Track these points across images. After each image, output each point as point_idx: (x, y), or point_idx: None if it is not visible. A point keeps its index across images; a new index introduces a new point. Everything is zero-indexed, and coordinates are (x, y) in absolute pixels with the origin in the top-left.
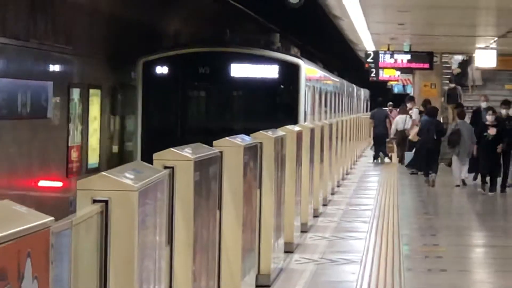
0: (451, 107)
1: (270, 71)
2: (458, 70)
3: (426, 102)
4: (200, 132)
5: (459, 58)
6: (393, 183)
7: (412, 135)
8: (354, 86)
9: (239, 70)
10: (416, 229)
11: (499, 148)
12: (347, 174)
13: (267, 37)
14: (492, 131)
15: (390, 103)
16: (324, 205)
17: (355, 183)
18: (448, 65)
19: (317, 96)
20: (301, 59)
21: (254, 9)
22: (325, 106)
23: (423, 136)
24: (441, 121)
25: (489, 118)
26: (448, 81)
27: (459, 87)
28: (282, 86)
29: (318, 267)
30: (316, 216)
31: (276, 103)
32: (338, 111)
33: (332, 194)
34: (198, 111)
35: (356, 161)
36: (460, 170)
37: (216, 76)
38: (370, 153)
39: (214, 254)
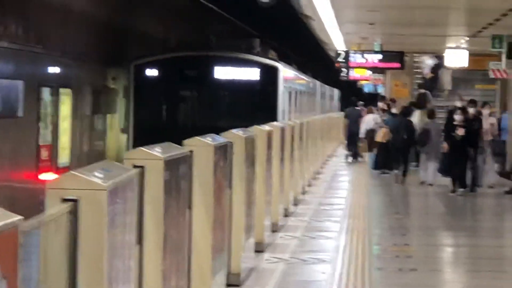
0: (420, 113)
1: (251, 74)
2: (431, 75)
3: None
4: (187, 130)
5: (431, 62)
6: (364, 182)
7: (379, 136)
8: (327, 86)
9: (223, 73)
10: (387, 228)
11: (471, 152)
12: (318, 173)
13: (248, 42)
14: (460, 132)
15: (361, 102)
16: (295, 204)
17: (326, 182)
18: (419, 64)
19: (293, 97)
20: (280, 63)
21: (225, 9)
22: (301, 105)
23: (394, 135)
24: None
25: (457, 118)
26: (417, 86)
27: (428, 92)
28: (262, 87)
29: (288, 266)
30: (286, 215)
31: (257, 103)
32: (312, 110)
33: (303, 193)
34: (185, 110)
35: (327, 160)
36: (426, 168)
37: (202, 77)
38: (341, 152)
39: (184, 253)
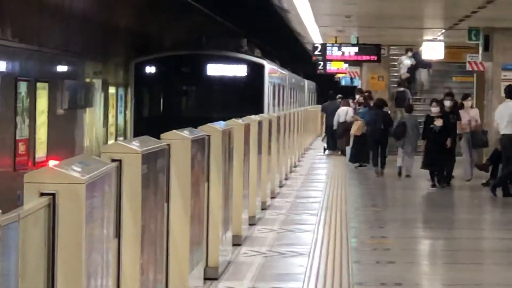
0: (400, 111)
1: (240, 70)
2: (407, 75)
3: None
4: (182, 121)
5: (408, 62)
6: (341, 175)
7: (354, 129)
8: (305, 80)
9: (214, 69)
10: (364, 221)
11: (449, 143)
12: (295, 166)
13: (236, 41)
14: (438, 122)
15: (340, 95)
16: (272, 197)
17: (303, 175)
18: (395, 62)
19: (277, 90)
20: (265, 60)
21: (200, 1)
22: (283, 98)
23: (371, 127)
24: (389, 113)
25: (434, 109)
26: (397, 85)
27: (407, 90)
28: (250, 82)
29: (266, 259)
30: (264, 208)
31: (245, 96)
32: (293, 103)
33: (280, 186)
34: (181, 103)
35: (304, 153)
36: (402, 160)
37: (195, 74)
38: (318, 145)
39: (162, 247)
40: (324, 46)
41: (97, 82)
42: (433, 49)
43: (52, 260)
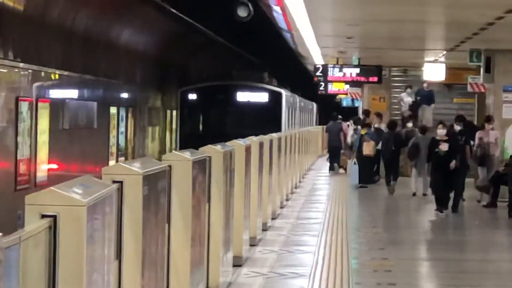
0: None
1: (263, 97)
2: (409, 113)
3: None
4: (217, 137)
5: (408, 100)
6: (342, 196)
7: (367, 150)
8: (310, 102)
9: (242, 96)
10: (365, 242)
11: (452, 165)
12: (296, 187)
13: (260, 74)
14: (444, 147)
15: (340, 116)
16: (273, 218)
17: (304, 196)
18: (397, 78)
19: (291, 112)
20: (283, 89)
21: (203, 23)
22: (295, 119)
23: (383, 147)
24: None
25: (440, 132)
26: (397, 106)
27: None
28: (271, 107)
29: (267, 280)
30: (265, 229)
31: (267, 118)
32: (302, 123)
33: (281, 207)
34: (216, 122)
35: (305, 174)
36: (415, 180)
37: (227, 100)
38: (319, 166)
39: (162, 268)
40: (325, 67)
41: (158, 107)
42: (434, 70)
43: (53, 282)
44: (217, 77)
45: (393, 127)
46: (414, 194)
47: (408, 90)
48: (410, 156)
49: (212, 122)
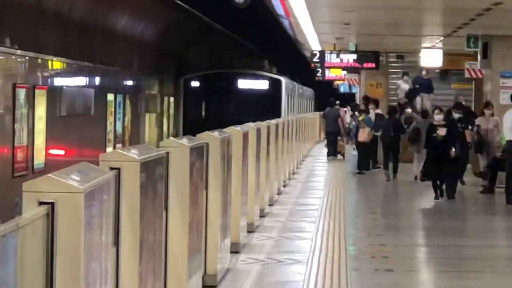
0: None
1: (263, 84)
2: (405, 100)
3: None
4: (219, 123)
5: (405, 87)
6: (340, 182)
7: (363, 136)
8: (307, 88)
9: (244, 84)
10: (363, 229)
11: (452, 153)
12: (293, 173)
13: (260, 62)
14: (441, 132)
15: (337, 102)
16: (271, 205)
17: (301, 182)
18: (393, 64)
19: (290, 99)
20: (282, 76)
21: (200, 9)
22: (294, 105)
23: (383, 133)
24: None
25: (437, 118)
26: (393, 92)
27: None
28: (271, 94)
29: (264, 267)
30: (262, 216)
31: (267, 104)
32: (301, 109)
33: (279, 194)
34: (218, 109)
35: (303, 160)
36: (419, 165)
37: (229, 87)
38: (317, 152)
39: (160, 255)
40: (322, 53)
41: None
42: (431, 56)
43: (50, 269)
44: (219, 65)
45: (393, 113)
46: (415, 178)
47: (405, 77)
48: (411, 140)
49: (215, 108)
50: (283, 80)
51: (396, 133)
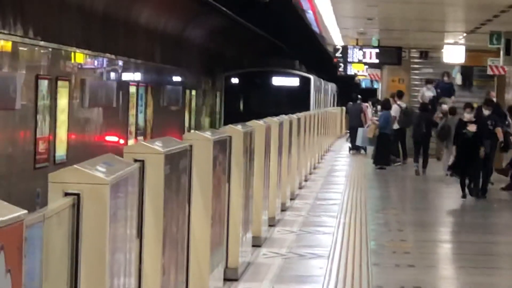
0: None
1: (295, 81)
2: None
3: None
4: (254, 114)
5: (429, 94)
6: (361, 177)
7: (369, 131)
8: (331, 83)
9: (278, 81)
10: (384, 224)
11: (481, 154)
12: (314, 168)
13: (292, 62)
14: (472, 128)
15: (359, 97)
16: (292, 199)
17: (322, 177)
18: (416, 59)
19: (317, 94)
20: (312, 75)
21: (223, 4)
22: (320, 100)
23: (414, 129)
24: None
25: (467, 116)
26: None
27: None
28: (301, 89)
29: (285, 261)
30: (283, 210)
31: (298, 99)
32: (326, 103)
33: (300, 188)
34: (254, 102)
35: (324, 155)
36: (447, 161)
37: (265, 83)
38: (338, 147)
39: (183, 247)
40: (345, 48)
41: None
42: (454, 53)
43: (75, 260)
44: (256, 64)
45: (425, 109)
46: (446, 174)
47: (428, 85)
48: (441, 137)
49: (252, 102)
50: (312, 77)
51: (428, 129)
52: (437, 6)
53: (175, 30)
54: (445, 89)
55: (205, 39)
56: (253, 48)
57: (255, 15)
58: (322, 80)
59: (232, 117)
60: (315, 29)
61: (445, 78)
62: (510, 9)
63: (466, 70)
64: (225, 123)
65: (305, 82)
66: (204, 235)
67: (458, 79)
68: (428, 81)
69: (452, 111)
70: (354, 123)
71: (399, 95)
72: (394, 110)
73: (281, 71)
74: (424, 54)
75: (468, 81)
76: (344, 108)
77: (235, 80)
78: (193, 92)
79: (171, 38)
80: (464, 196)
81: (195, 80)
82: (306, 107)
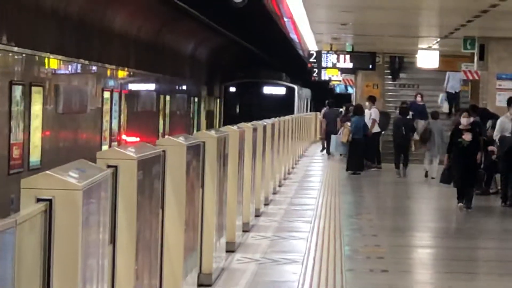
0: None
1: (282, 91)
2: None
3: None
4: (249, 117)
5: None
6: (336, 182)
7: (343, 136)
8: (307, 89)
9: (267, 90)
10: (358, 229)
11: (479, 158)
12: (289, 173)
13: (279, 74)
14: (467, 137)
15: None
16: (266, 204)
17: (297, 182)
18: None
19: (300, 101)
20: (296, 85)
21: (198, 9)
22: (302, 106)
23: (394, 132)
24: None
25: (464, 121)
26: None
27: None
28: (287, 98)
29: (259, 266)
30: (257, 215)
31: (285, 105)
32: (306, 109)
33: (274, 193)
34: (248, 108)
35: (298, 160)
36: (429, 162)
37: (256, 92)
38: (312, 152)
39: (156, 253)
40: (319, 53)
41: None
42: (427, 58)
43: (48, 266)
44: (249, 76)
45: (405, 113)
46: (426, 175)
47: (418, 98)
48: (422, 140)
49: (246, 107)
50: (296, 87)
51: (407, 132)
52: (411, 11)
53: (187, 51)
54: (418, 111)
55: (208, 56)
56: (249, 63)
57: (230, 19)
58: (303, 88)
59: (230, 119)
60: (293, 36)
61: (418, 99)
62: (484, 14)
63: (452, 96)
64: (224, 124)
65: (290, 91)
66: (178, 241)
67: (445, 108)
68: (418, 94)
69: (434, 115)
70: (330, 128)
71: (373, 100)
72: (375, 113)
73: (270, 82)
74: (398, 60)
75: (455, 110)
76: (318, 113)
77: (232, 89)
78: (196, 99)
79: (183, 57)
80: (466, 206)
81: (197, 89)
82: (291, 112)
